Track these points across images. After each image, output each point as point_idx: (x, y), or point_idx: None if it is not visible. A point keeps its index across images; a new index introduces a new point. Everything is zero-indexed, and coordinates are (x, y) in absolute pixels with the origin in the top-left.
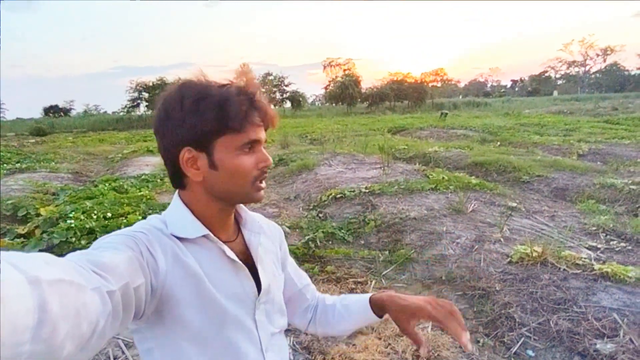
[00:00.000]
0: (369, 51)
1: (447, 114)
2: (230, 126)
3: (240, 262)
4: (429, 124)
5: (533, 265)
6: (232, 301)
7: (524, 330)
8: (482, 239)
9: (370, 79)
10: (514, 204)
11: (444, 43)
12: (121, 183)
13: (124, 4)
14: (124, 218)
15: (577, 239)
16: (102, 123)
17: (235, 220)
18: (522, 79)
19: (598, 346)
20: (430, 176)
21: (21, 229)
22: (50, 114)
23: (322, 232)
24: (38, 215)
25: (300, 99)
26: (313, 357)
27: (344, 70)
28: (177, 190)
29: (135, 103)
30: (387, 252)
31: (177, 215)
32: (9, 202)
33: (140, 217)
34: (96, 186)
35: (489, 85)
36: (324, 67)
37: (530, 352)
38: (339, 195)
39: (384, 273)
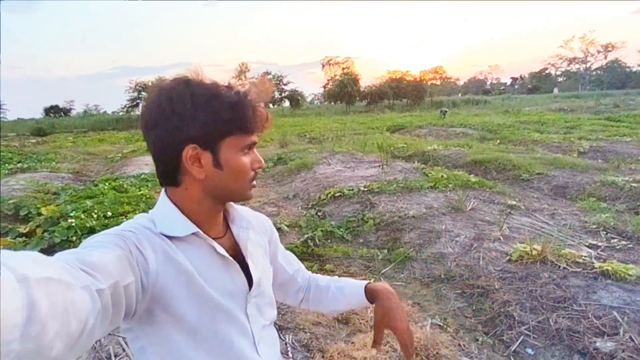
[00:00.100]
0: (368, 50)
1: (446, 111)
2: (239, 127)
3: (230, 257)
4: (428, 122)
5: (532, 264)
6: (224, 296)
7: (524, 329)
8: (482, 237)
9: (369, 78)
10: (514, 202)
11: (443, 41)
12: (121, 182)
13: (123, 5)
14: (124, 217)
15: (578, 237)
16: (101, 123)
17: (223, 216)
18: (522, 76)
19: (598, 344)
20: (429, 174)
21: (23, 228)
22: (51, 114)
23: (321, 230)
24: (39, 214)
25: (299, 98)
26: (312, 355)
27: (343, 68)
28: (163, 189)
29: (134, 103)
30: (385, 251)
31: (166, 213)
32: (11, 201)
33: None
34: (96, 185)
35: (488, 83)
36: (323, 66)
37: (529, 351)
38: (337, 194)
39: (382, 271)
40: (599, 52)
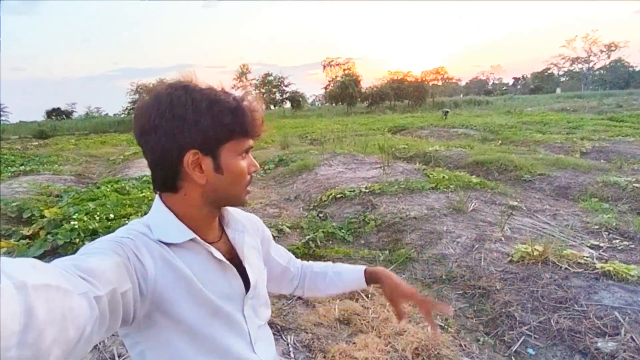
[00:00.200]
0: (369, 50)
1: (448, 112)
2: (239, 132)
3: (227, 262)
4: (430, 123)
5: (534, 264)
6: (223, 299)
7: (525, 329)
8: (483, 238)
9: (370, 79)
10: (515, 203)
11: (444, 41)
12: (123, 184)
13: (123, 6)
14: (126, 219)
15: (579, 238)
16: (103, 125)
17: (218, 220)
18: (524, 76)
19: (599, 345)
20: (430, 175)
21: (26, 231)
22: (53, 117)
23: (323, 232)
24: (42, 216)
25: (300, 99)
26: (313, 356)
27: (344, 69)
28: (158, 194)
29: (135, 105)
30: (387, 252)
31: (162, 220)
32: (14, 204)
33: None
34: (98, 188)
35: (490, 84)
36: (324, 67)
37: (530, 351)
38: (339, 195)
39: None
40: (601, 51)
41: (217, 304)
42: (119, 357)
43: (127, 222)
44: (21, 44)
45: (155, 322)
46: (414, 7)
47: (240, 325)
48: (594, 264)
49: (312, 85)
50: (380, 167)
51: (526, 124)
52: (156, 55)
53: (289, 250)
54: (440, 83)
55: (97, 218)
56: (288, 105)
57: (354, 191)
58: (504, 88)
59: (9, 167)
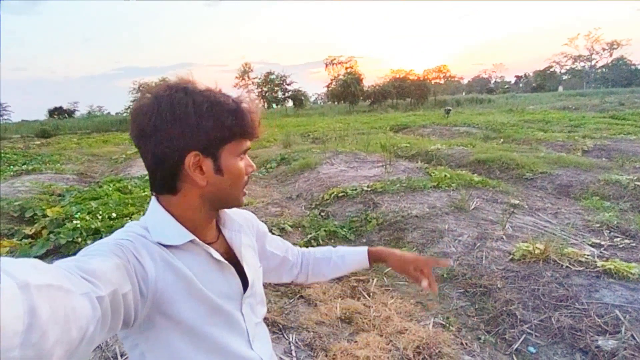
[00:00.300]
0: (371, 49)
1: (450, 110)
2: (239, 133)
3: (226, 262)
4: (432, 122)
5: (535, 263)
6: (222, 299)
7: (526, 327)
8: (484, 236)
9: (372, 77)
10: (517, 201)
11: (446, 40)
12: (125, 184)
13: (124, 6)
14: (128, 218)
15: (581, 236)
16: (105, 124)
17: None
18: (527, 74)
19: (600, 343)
20: (432, 174)
21: (29, 230)
22: (55, 116)
23: (324, 230)
24: (45, 216)
25: (302, 98)
26: (315, 354)
27: (346, 68)
28: (154, 196)
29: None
30: None
31: (160, 222)
32: (17, 203)
33: None
34: (101, 187)
35: (492, 82)
36: (326, 66)
37: (531, 349)
38: (341, 194)
39: (385, 271)
40: (604, 49)
41: (217, 303)
42: (121, 356)
43: (129, 221)
44: (22, 43)
45: (156, 323)
46: (416, 6)
47: (239, 324)
48: (595, 262)
49: (315, 84)
50: (382, 166)
51: (528, 122)
52: (158, 54)
53: None
54: (442, 81)
55: (100, 217)
56: (290, 103)
57: (355, 190)
58: (506, 86)
59: (12, 166)
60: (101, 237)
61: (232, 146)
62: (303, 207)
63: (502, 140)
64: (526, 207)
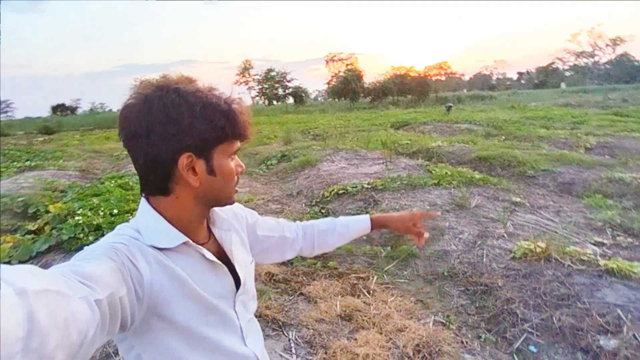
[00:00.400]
0: (372, 45)
1: (451, 106)
2: (231, 135)
3: (219, 262)
4: (433, 119)
5: (537, 261)
6: (216, 298)
7: (527, 326)
8: (485, 234)
9: (373, 74)
10: (518, 199)
11: (448, 36)
12: (127, 180)
13: (126, 4)
14: (130, 214)
15: (583, 235)
16: (107, 121)
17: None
18: (529, 71)
19: (601, 342)
20: (433, 171)
21: (31, 226)
22: (58, 112)
23: None
24: (47, 212)
25: (303, 95)
26: (315, 352)
27: (347, 65)
28: (143, 197)
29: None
30: (389, 248)
31: (152, 224)
32: (20, 199)
33: None
34: (102, 183)
35: (494, 78)
36: (327, 63)
37: (532, 348)
38: (341, 191)
39: (385, 269)
40: (607, 45)
41: (212, 303)
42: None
43: (130, 217)
44: (25, 41)
45: (152, 325)
46: (417, 2)
47: (233, 322)
48: (597, 261)
49: (315, 81)
50: (383, 163)
51: (530, 119)
52: (159, 52)
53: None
54: (443, 78)
55: (101, 213)
56: (291, 100)
57: (356, 187)
58: (508, 83)
59: (15, 163)
60: (103, 234)
61: (224, 147)
62: (303, 205)
63: (503, 137)
64: (528, 205)
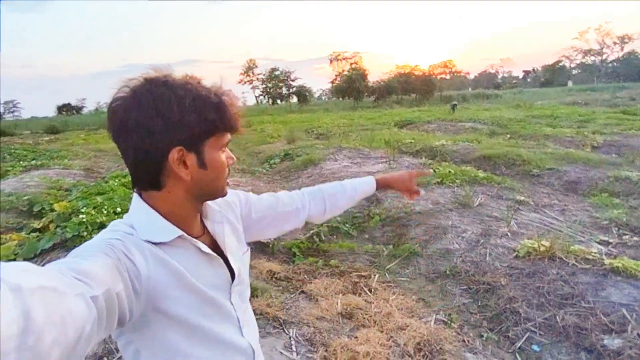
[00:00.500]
0: (376, 44)
1: (456, 104)
2: (221, 127)
3: (215, 254)
4: (437, 117)
5: (540, 260)
6: (213, 290)
7: (530, 325)
8: (489, 233)
9: (377, 73)
10: (522, 198)
11: (452, 34)
12: (130, 179)
13: (127, 4)
14: None
15: (588, 234)
16: None
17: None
18: (535, 69)
19: (605, 342)
20: (436, 170)
21: (37, 224)
22: (63, 112)
23: (327, 226)
24: (52, 210)
25: (307, 94)
26: (315, 349)
27: (351, 64)
28: (135, 192)
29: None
30: (391, 246)
31: (146, 219)
32: (25, 197)
33: None
34: (107, 182)
35: (499, 77)
36: (331, 61)
37: (535, 347)
38: None
39: (387, 267)
40: (615, 43)
41: (209, 295)
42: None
43: None
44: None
45: (150, 320)
46: (423, 0)
47: (230, 313)
48: (603, 260)
49: (319, 80)
50: (386, 162)
51: (536, 117)
52: (162, 51)
53: (292, 245)
54: (448, 77)
55: (105, 212)
56: (294, 99)
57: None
58: (514, 81)
59: (21, 162)
60: None
61: (214, 140)
62: None
63: (508, 136)
64: (532, 203)
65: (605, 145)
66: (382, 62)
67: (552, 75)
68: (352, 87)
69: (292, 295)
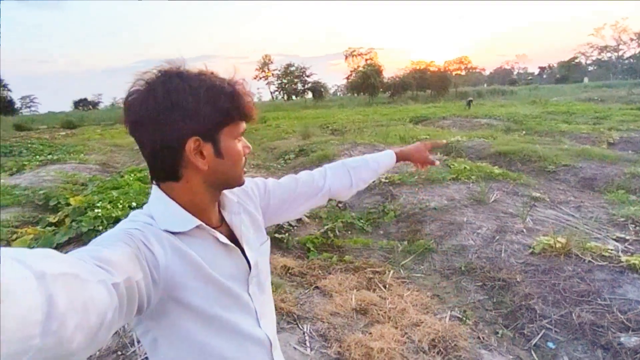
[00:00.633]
0: (391, 40)
1: (471, 100)
2: (236, 116)
3: (233, 245)
4: (452, 113)
5: (556, 257)
6: (230, 281)
7: (545, 322)
8: (504, 229)
9: (392, 68)
10: (538, 194)
11: (468, 30)
12: (146, 174)
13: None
14: None
15: (604, 230)
16: None
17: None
18: (551, 65)
19: (622, 339)
20: (451, 166)
21: (52, 218)
22: (80, 107)
23: (341, 222)
24: (68, 204)
25: (322, 90)
26: (329, 345)
27: (366, 59)
28: (154, 184)
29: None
30: (406, 242)
31: (164, 209)
32: (41, 192)
33: None
34: (122, 177)
35: (515, 73)
36: (346, 57)
37: (551, 345)
38: None
39: (402, 263)
40: (631, 39)
41: (226, 285)
42: (138, 342)
43: None
44: (47, 37)
45: (167, 309)
46: None
47: (247, 304)
48: (619, 257)
49: (334, 76)
50: None
51: (551, 114)
52: (178, 47)
53: (307, 240)
54: (463, 73)
55: (120, 206)
56: (310, 95)
57: (373, 181)
58: (529, 77)
59: (37, 156)
60: None
61: (230, 129)
62: None
63: (524, 132)
64: (548, 200)
65: (622, 142)
66: (397, 58)
67: (568, 72)
68: (367, 83)
69: (306, 291)
